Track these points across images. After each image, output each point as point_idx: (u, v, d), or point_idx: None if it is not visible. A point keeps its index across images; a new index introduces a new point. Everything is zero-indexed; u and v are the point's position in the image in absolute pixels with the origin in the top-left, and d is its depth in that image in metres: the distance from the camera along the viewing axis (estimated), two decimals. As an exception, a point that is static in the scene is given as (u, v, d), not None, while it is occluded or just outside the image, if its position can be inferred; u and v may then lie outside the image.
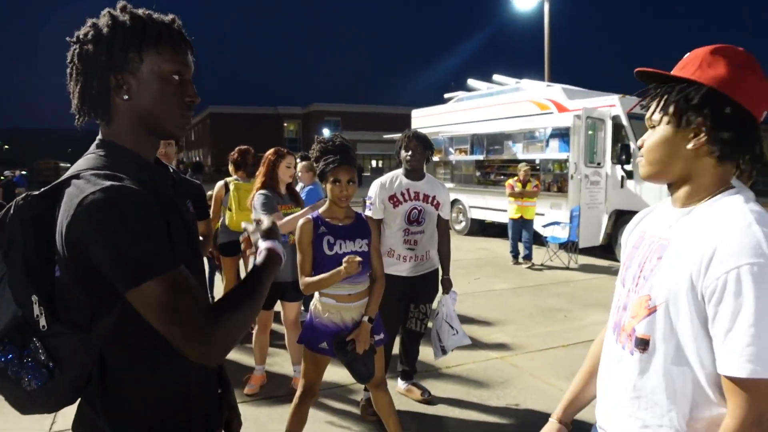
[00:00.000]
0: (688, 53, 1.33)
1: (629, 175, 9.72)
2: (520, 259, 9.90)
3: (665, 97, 1.29)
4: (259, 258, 1.37)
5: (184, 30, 1.30)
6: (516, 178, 9.97)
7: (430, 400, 4.14)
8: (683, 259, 1.22)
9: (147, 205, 1.13)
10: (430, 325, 4.19)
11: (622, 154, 9.63)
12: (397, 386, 4.28)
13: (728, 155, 1.26)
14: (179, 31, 1.28)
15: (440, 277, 4.20)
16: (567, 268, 9.44)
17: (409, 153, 4.00)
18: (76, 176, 1.16)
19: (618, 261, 9.85)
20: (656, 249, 1.33)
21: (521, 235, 9.92)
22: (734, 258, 1.12)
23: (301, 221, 2.98)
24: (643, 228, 1.47)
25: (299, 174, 6.25)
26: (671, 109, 1.28)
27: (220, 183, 5.65)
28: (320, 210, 3.06)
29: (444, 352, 4.17)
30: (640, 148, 1.39)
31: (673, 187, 1.36)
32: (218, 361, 1.18)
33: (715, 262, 1.14)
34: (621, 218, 9.90)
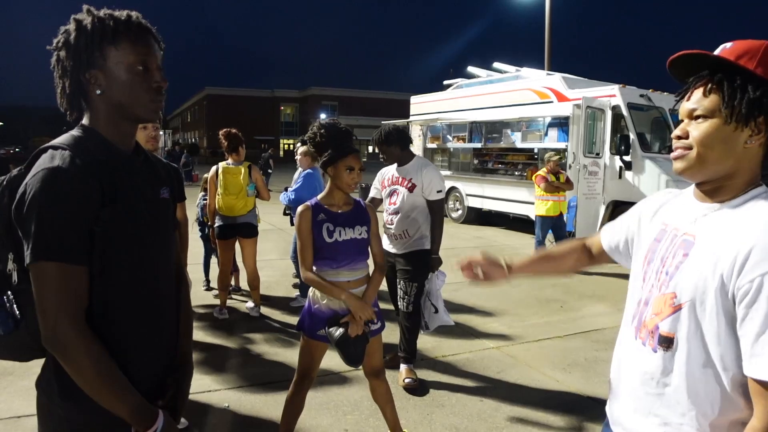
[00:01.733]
0: (732, 42, 1.25)
1: (627, 165, 9.70)
2: None
3: (734, 88, 1.20)
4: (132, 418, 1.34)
5: (144, 21, 1.43)
6: (545, 169, 8.76)
7: (412, 387, 4.12)
8: (713, 258, 1.18)
9: (77, 192, 1.27)
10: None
11: (621, 144, 9.61)
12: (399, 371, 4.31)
13: None
14: (137, 24, 1.40)
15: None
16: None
17: (379, 153, 4.48)
18: (50, 147, 1.34)
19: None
20: (681, 244, 1.29)
21: (551, 234, 8.77)
22: None
23: (300, 208, 2.93)
24: (663, 219, 1.42)
25: (298, 158, 6.21)
26: (742, 104, 1.19)
27: (214, 168, 5.70)
28: (318, 197, 3.01)
29: (426, 327, 4.36)
30: (679, 138, 1.29)
31: (707, 184, 1.30)
32: (41, 350, 1.35)
33: (750, 263, 1.11)
34: (618, 209, 9.89)
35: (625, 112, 9.83)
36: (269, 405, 3.81)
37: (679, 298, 1.24)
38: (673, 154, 1.32)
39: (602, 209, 10.10)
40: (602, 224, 10.01)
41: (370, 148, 57.24)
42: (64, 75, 1.39)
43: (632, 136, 9.62)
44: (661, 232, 1.39)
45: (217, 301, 5.87)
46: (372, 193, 4.61)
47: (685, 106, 1.29)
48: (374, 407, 3.39)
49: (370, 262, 3.05)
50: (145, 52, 1.40)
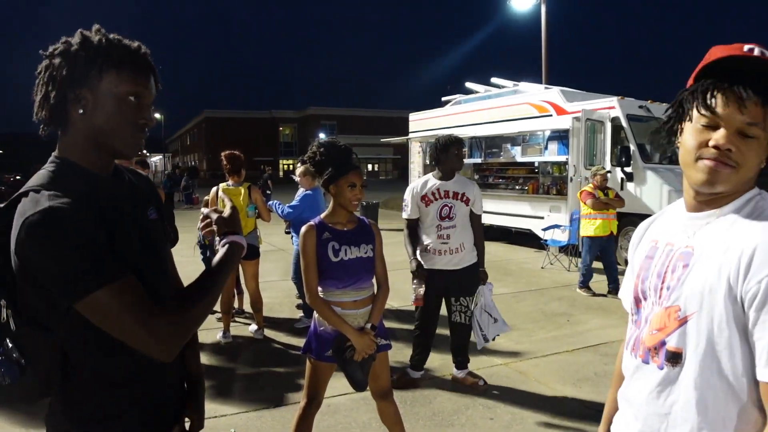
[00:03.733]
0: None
1: (629, 177, 9.67)
2: (591, 288, 7.87)
3: None
4: (221, 252, 1.44)
5: (150, 58, 1.38)
6: (591, 185, 7.94)
7: (485, 389, 4.38)
8: (717, 264, 1.13)
9: (82, 221, 1.20)
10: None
11: (622, 156, 9.58)
12: (453, 373, 4.59)
13: None
14: (144, 58, 1.36)
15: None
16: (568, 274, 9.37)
17: (443, 154, 4.41)
18: (26, 193, 1.24)
19: (619, 264, 9.79)
20: (679, 257, 1.23)
21: (598, 257, 7.86)
22: None
23: (303, 228, 2.89)
24: (653, 236, 1.38)
25: (298, 178, 6.18)
26: None
27: (214, 189, 5.72)
28: (322, 215, 2.98)
29: (486, 340, 4.42)
30: (717, 147, 1.15)
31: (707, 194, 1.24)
32: (174, 356, 1.27)
33: (755, 264, 1.07)
34: (620, 221, 9.83)
35: (624, 123, 9.82)
36: (276, 430, 3.74)
37: (684, 310, 1.19)
38: (710, 165, 1.17)
39: (605, 221, 10.05)
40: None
41: (370, 167, 57.51)
42: (51, 84, 1.30)
43: (633, 147, 9.60)
44: (652, 249, 1.34)
45: (221, 325, 5.80)
46: (410, 214, 4.46)
47: (737, 118, 1.14)
48: (383, 429, 3.33)
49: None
50: (143, 85, 1.35)
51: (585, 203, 7.80)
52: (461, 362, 4.54)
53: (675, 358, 1.20)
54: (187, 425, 1.65)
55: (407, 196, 4.48)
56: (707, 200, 1.24)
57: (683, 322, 1.18)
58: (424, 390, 4.36)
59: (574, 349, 5.42)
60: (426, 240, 4.38)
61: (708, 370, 1.15)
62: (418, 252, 4.39)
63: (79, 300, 1.17)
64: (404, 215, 4.52)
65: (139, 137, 1.38)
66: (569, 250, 9.78)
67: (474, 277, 4.40)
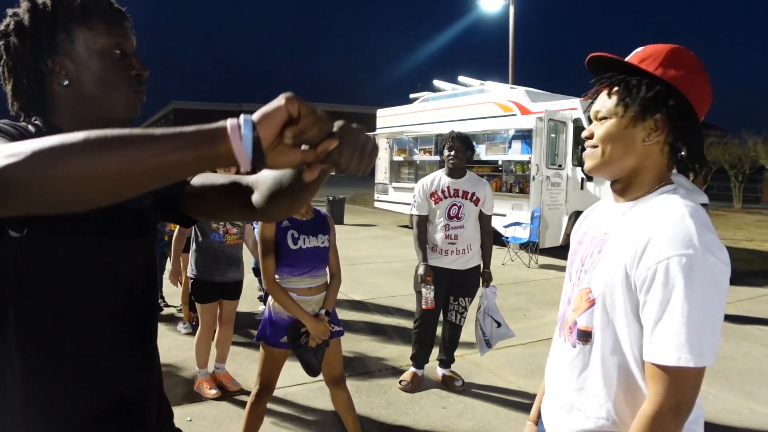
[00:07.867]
0: (643, 47, 1.34)
1: (589, 177, 9.88)
2: None
3: (630, 88, 1.29)
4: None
5: (116, 3, 1.19)
6: None
7: (462, 389, 4.33)
8: (620, 251, 1.25)
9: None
10: (471, 319, 4.47)
11: (583, 156, 9.77)
12: (436, 372, 4.55)
13: (679, 152, 1.30)
14: (109, 2, 1.17)
15: (481, 271, 4.42)
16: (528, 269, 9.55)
17: (452, 153, 4.23)
18: None
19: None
20: (597, 243, 1.35)
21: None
22: (665, 249, 1.16)
23: None
24: (587, 224, 1.50)
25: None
26: (635, 102, 1.27)
27: None
28: None
29: (489, 345, 4.34)
30: (587, 138, 1.38)
31: (617, 183, 1.37)
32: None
33: (647, 252, 1.18)
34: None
35: (586, 124, 9.97)
36: (232, 418, 3.77)
37: (593, 292, 1.30)
38: (584, 154, 1.41)
39: (565, 219, 10.28)
40: (565, 234, 10.21)
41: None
42: (18, 66, 1.12)
43: (592, 147, 9.81)
44: (583, 235, 1.47)
45: (181, 315, 5.78)
46: (419, 210, 4.30)
47: (592, 109, 1.39)
48: (336, 417, 3.39)
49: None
50: (122, 33, 1.16)
51: None
52: (445, 362, 4.51)
53: (585, 337, 1.32)
54: None
55: (417, 191, 4.32)
56: (619, 189, 1.38)
57: (592, 303, 1.30)
58: (380, 380, 4.43)
59: (529, 342, 5.56)
60: (432, 239, 4.27)
61: (611, 348, 1.27)
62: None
63: None
64: (414, 212, 4.33)
65: (138, 91, 1.19)
66: (530, 247, 9.96)
67: (476, 278, 4.36)
